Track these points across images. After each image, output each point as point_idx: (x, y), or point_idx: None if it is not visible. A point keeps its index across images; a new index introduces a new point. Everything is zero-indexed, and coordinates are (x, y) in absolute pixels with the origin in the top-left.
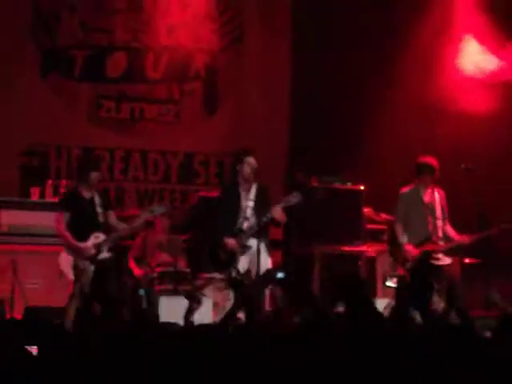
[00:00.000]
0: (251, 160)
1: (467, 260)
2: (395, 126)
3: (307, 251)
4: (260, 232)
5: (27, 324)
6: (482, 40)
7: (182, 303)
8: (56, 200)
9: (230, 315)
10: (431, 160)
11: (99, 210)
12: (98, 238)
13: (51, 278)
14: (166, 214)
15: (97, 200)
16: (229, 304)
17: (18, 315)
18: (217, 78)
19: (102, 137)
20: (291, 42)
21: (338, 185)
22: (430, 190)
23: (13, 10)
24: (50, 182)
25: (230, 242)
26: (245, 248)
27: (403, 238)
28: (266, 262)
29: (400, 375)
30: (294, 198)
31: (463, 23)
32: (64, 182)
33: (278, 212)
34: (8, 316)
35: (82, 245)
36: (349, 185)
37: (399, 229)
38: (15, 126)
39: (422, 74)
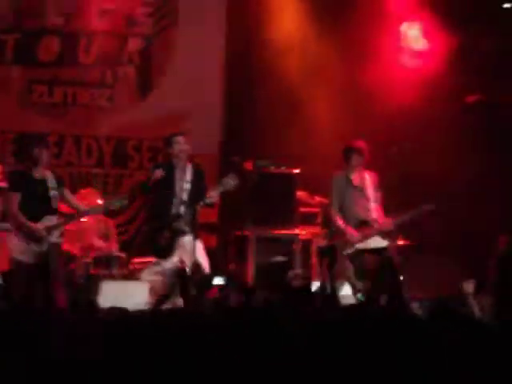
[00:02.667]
0: (180, 139)
1: (401, 242)
2: (331, 110)
3: (242, 234)
4: (193, 218)
5: None
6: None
7: (119, 288)
8: None
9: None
10: (359, 143)
11: (52, 193)
12: (49, 220)
13: None
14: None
15: (50, 181)
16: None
17: None
18: (150, 63)
19: (35, 121)
20: (226, 25)
21: (272, 169)
22: (359, 173)
23: None
24: None
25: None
26: (182, 234)
27: (340, 222)
28: (200, 251)
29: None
30: (231, 181)
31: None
32: None
33: (214, 197)
34: None
35: (33, 225)
36: (283, 168)
37: (334, 213)
38: None
39: (357, 57)
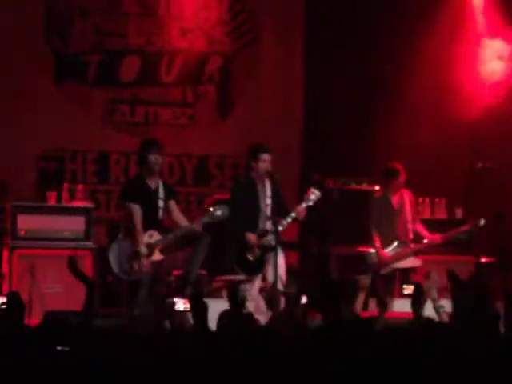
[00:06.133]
0: (266, 157)
1: (483, 259)
2: (410, 126)
3: (323, 252)
4: (278, 236)
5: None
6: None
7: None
8: (72, 204)
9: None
10: (397, 166)
11: (161, 203)
12: (151, 236)
13: (69, 282)
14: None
15: (161, 191)
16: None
17: (36, 320)
18: (230, 81)
19: (117, 141)
20: (305, 43)
21: (353, 185)
22: (398, 194)
23: (26, 16)
24: (66, 186)
25: (251, 237)
26: (271, 249)
27: (377, 244)
28: (283, 267)
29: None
30: (314, 195)
31: (480, 23)
32: (80, 186)
33: (301, 212)
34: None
35: (139, 242)
36: (364, 185)
37: (374, 233)
38: (30, 130)
39: (438, 74)
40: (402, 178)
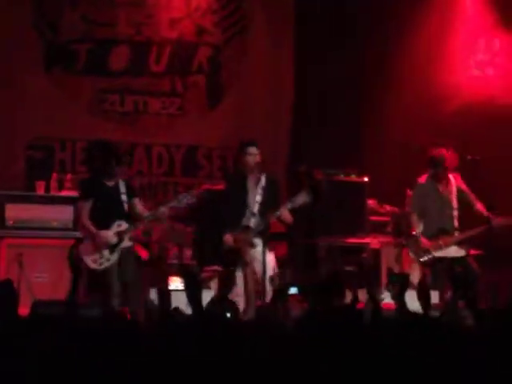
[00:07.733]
0: (253, 150)
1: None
2: (399, 119)
3: (312, 243)
4: (264, 230)
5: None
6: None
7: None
8: (61, 194)
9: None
10: (442, 151)
11: (124, 197)
12: (120, 226)
13: (57, 271)
14: (192, 203)
15: (121, 187)
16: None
17: (25, 309)
18: (220, 71)
19: (106, 130)
20: (294, 33)
21: (341, 177)
22: (445, 180)
23: (14, 5)
24: (54, 175)
25: (228, 238)
26: (251, 246)
27: (418, 230)
28: (270, 263)
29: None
30: (302, 198)
31: (471, 19)
32: (69, 175)
33: (286, 213)
34: None
35: (102, 233)
36: (353, 177)
37: (414, 220)
38: (19, 119)
39: (428, 65)
40: (448, 164)
